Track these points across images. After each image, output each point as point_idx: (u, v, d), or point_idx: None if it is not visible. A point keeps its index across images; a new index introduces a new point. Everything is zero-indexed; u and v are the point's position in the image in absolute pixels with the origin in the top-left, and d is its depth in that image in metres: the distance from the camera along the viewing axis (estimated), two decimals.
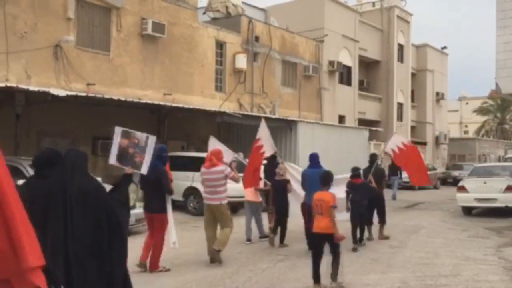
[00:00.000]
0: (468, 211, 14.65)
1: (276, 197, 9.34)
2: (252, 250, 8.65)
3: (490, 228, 11.99)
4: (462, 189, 14.50)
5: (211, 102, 18.60)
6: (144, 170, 5.43)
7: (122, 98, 13.32)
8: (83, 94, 12.42)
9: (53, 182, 3.59)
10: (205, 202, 7.91)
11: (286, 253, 8.50)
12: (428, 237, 10.71)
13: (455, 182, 22.44)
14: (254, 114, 18.92)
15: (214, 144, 9.32)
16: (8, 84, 10.89)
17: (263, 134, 9.47)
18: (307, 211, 7.96)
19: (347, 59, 27.05)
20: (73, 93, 11.92)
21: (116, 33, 15.49)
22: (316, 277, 6.19)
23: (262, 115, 19.23)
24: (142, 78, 16.32)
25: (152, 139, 5.57)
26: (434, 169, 27.33)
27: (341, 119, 26.36)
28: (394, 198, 19.66)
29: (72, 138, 14.27)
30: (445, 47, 38.58)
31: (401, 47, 32.36)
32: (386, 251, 8.96)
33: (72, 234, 3.52)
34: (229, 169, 7.78)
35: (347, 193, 9.07)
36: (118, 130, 5.58)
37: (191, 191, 13.70)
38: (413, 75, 34.58)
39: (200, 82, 18.48)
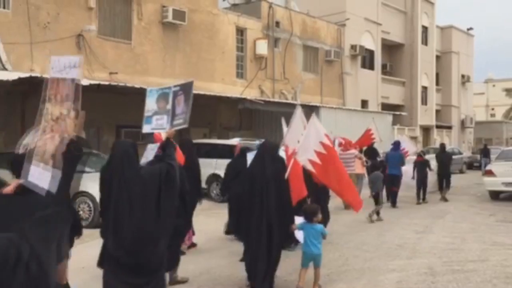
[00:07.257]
0: (495, 195, 14.40)
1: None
2: None
3: None
4: (490, 173, 14.25)
5: (233, 89, 18.57)
6: None
7: (144, 87, 13.37)
8: (106, 83, 12.52)
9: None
10: None
11: None
12: (455, 222, 10.55)
13: (481, 166, 22.04)
14: (275, 100, 18.83)
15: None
16: (33, 74, 11.03)
17: (373, 126, 14.11)
18: (387, 179, 12.44)
19: (370, 42, 26.61)
20: (96, 82, 12.02)
21: (137, 21, 15.55)
22: None
23: (284, 101, 19.15)
24: (164, 66, 16.38)
25: None
26: (460, 153, 26.79)
27: (364, 103, 26.04)
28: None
29: (97, 127, 14.44)
30: (471, 28, 37.65)
31: (425, 29, 31.66)
32: (411, 237, 8.86)
33: None
34: (357, 152, 11.95)
35: (414, 166, 13.48)
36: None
37: (214, 178, 13.29)
38: (437, 57, 33.86)
39: (221, 69, 18.45)
